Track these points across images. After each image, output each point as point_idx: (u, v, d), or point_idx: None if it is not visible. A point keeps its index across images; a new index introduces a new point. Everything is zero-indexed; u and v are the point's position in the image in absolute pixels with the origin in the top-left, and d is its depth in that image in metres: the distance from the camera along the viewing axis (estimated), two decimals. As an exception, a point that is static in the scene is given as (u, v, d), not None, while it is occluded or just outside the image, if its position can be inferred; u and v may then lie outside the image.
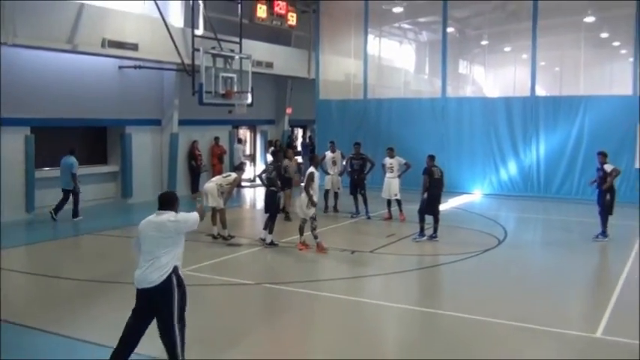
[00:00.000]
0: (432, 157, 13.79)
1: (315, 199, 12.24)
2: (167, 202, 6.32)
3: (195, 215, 6.33)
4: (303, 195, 12.25)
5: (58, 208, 15.82)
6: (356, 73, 24.16)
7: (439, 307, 9.20)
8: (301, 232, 12.49)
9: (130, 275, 10.82)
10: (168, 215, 6.19)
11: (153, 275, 6.03)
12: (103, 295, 9.61)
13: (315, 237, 12.20)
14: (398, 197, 15.80)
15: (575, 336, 7.88)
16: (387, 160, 16.11)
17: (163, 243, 6.10)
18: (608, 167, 13.24)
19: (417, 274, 11.27)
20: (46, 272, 10.86)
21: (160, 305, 6.09)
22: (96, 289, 9.90)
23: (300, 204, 12.39)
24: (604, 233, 13.32)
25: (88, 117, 17.79)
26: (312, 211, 12.22)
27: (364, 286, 10.47)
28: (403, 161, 15.89)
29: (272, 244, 12.80)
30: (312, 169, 12.40)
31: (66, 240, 13.73)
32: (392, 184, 15.88)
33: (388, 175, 16.00)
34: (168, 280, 6.06)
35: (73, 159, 15.88)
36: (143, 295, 6.14)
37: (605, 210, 13.26)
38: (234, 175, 13.61)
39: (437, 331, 8.21)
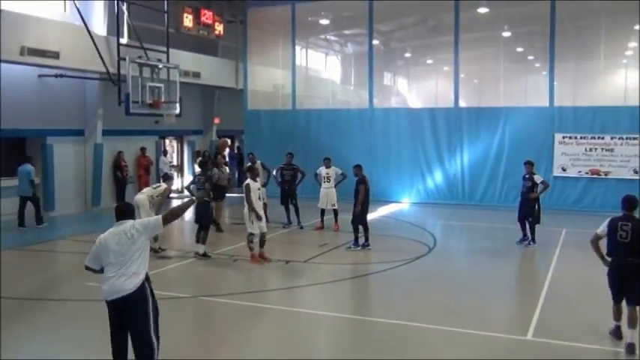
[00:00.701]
0: (360, 167, 13.86)
1: (258, 210, 11.94)
2: (125, 212, 6.25)
3: (154, 220, 6.24)
4: (246, 209, 11.93)
5: (21, 216, 16.01)
6: (284, 84, 24.16)
7: (373, 314, 9.26)
8: (250, 247, 12.10)
9: (51, 292, 10.51)
10: (131, 222, 6.12)
11: (126, 284, 5.85)
12: (26, 313, 9.11)
13: (251, 249, 12.05)
14: (335, 207, 15.84)
15: (507, 339, 8.09)
16: (324, 170, 16.13)
17: (132, 249, 5.96)
18: (538, 178, 13.62)
19: (351, 282, 11.30)
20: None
21: (134, 315, 5.90)
22: (17, 308, 9.36)
23: (246, 219, 12.02)
24: (534, 240, 13.66)
25: (6, 127, 16.88)
26: (261, 224, 11.91)
27: (299, 296, 10.41)
28: (340, 171, 15.95)
29: (205, 255, 12.53)
30: (248, 180, 12.14)
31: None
32: (329, 194, 15.91)
33: (325, 185, 16.01)
34: (142, 287, 5.91)
35: (29, 166, 16.22)
36: (116, 306, 5.91)
37: (535, 219, 13.59)
38: (163, 185, 13.25)
39: (369, 338, 8.23)
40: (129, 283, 5.85)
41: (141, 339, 5.92)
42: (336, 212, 15.89)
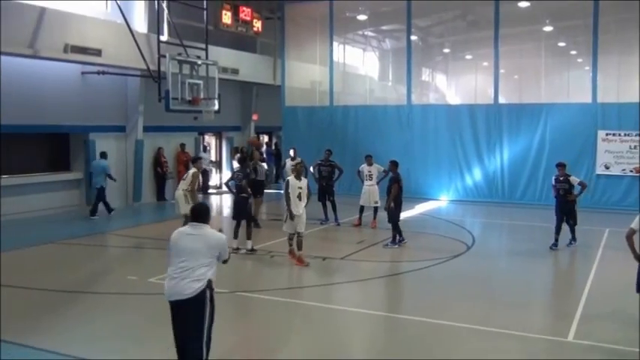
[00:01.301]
0: (396, 164, 13.75)
1: (293, 209, 11.52)
2: (201, 214, 6.24)
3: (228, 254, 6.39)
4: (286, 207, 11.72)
5: (96, 206, 17.20)
6: (322, 80, 24.15)
7: (408, 312, 9.19)
8: (299, 246, 11.80)
9: (95, 284, 10.72)
10: (211, 230, 6.17)
11: (188, 287, 5.87)
12: (70, 305, 9.33)
13: (290, 245, 11.90)
14: (378, 204, 15.79)
15: (546, 340, 7.94)
16: (366, 168, 16.09)
17: (203, 255, 5.98)
18: (574, 179, 13.20)
19: (387, 280, 11.24)
20: (9, 283, 10.45)
21: (190, 319, 5.92)
22: (62, 299, 9.59)
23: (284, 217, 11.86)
24: (575, 238, 13.36)
25: (50, 123, 17.35)
26: (297, 223, 11.53)
27: (335, 293, 10.42)
28: (382, 168, 15.88)
29: (252, 250, 12.62)
30: (290, 177, 11.92)
31: (29, 249, 13.27)
32: (372, 192, 15.88)
33: (367, 182, 15.96)
34: (202, 294, 5.90)
35: (104, 161, 17.47)
36: (174, 306, 5.99)
37: (575, 220, 13.28)
38: (190, 171, 13.32)
39: (404, 336, 8.18)
40: (190, 287, 5.87)
41: (191, 343, 5.94)
42: (376, 210, 15.84)
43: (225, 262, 6.36)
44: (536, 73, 21.73)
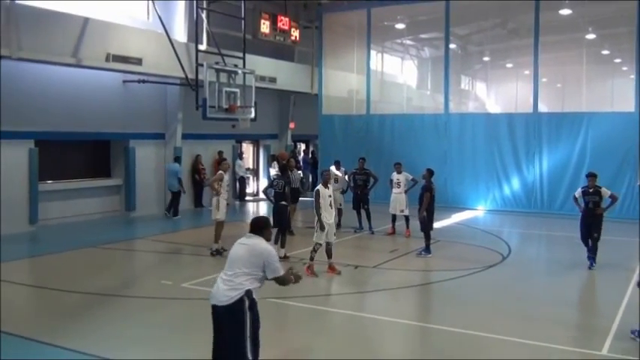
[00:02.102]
0: (431, 172, 13.67)
1: (324, 220, 11.44)
2: (257, 226, 6.25)
3: (280, 267, 6.14)
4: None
5: (170, 207, 19.08)
6: (358, 89, 24.22)
7: (440, 322, 9.09)
8: (329, 254, 11.73)
9: (129, 288, 10.96)
10: (262, 241, 6.15)
11: (225, 293, 5.89)
12: (105, 307, 9.55)
13: (311, 258, 11.62)
14: (405, 213, 15.73)
15: (580, 353, 7.79)
16: (395, 176, 16.07)
17: (245, 264, 5.97)
18: (605, 192, 12.20)
19: (419, 289, 11.18)
20: (47, 285, 10.79)
21: (228, 327, 5.92)
22: (97, 302, 9.83)
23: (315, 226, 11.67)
24: (594, 260, 12.38)
25: (91, 130, 17.83)
26: (329, 234, 11.49)
27: (366, 302, 10.42)
28: (410, 177, 15.84)
29: (285, 257, 12.73)
30: (319, 186, 11.78)
31: (69, 253, 13.66)
32: (399, 200, 15.85)
33: (395, 190, 15.96)
34: (238, 303, 5.87)
35: (177, 165, 19.38)
36: (214, 311, 6.03)
37: (599, 236, 12.29)
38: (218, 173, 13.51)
39: (435, 346, 8.13)
40: (226, 295, 5.87)
41: (232, 353, 5.91)
42: (407, 218, 15.79)
43: (278, 280, 6.15)
44: (577, 82, 21.33)
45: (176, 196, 19.13)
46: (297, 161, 27.13)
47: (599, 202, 12.25)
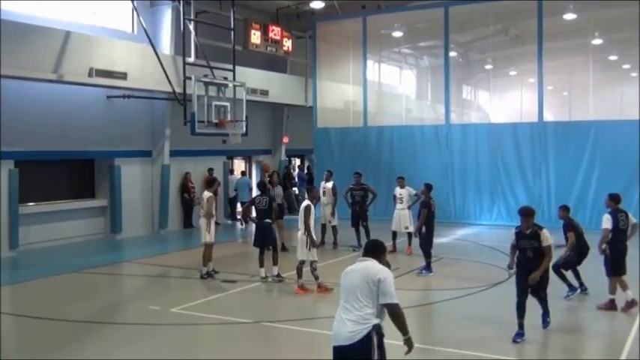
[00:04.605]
0: (429, 187, 13.74)
1: (314, 236, 11.82)
2: (371, 249, 5.80)
3: (395, 294, 5.55)
4: (300, 233, 11.83)
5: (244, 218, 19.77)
6: (355, 100, 24.34)
7: (442, 344, 9.11)
8: (299, 273, 12.02)
9: (115, 314, 10.96)
10: (376, 263, 5.63)
11: (350, 329, 5.36)
12: (91, 336, 9.55)
13: (316, 278, 11.88)
14: (409, 230, 15.79)
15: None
16: (397, 191, 16.15)
17: (363, 293, 5.44)
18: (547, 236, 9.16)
19: (421, 310, 11.20)
20: (28, 313, 10.76)
21: None
22: (82, 331, 9.82)
23: (300, 244, 11.90)
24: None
25: (75, 149, 17.86)
26: (313, 252, 11.76)
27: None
28: (413, 192, 15.91)
29: (279, 277, 12.79)
30: (307, 202, 11.96)
31: (52, 278, 13.64)
32: (402, 216, 15.92)
33: (398, 206, 16.04)
34: (365, 340, 5.33)
35: (247, 178, 23.35)
36: (337, 352, 5.48)
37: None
38: (206, 195, 13.37)
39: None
40: (352, 329, 5.36)
41: None
42: (410, 235, 15.81)
43: (389, 308, 5.49)
44: (584, 89, 21.47)
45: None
46: (292, 177, 27.23)
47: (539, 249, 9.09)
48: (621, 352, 8.40)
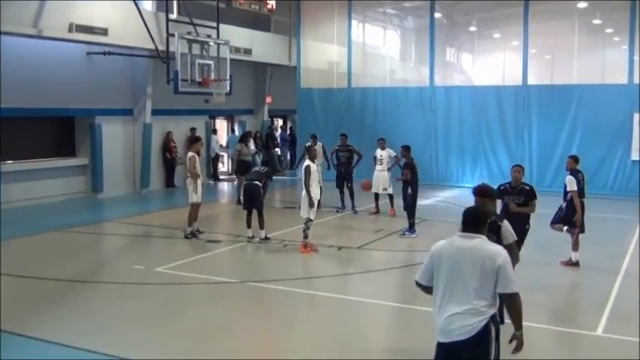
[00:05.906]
0: (408, 149, 13.72)
1: (314, 196, 11.78)
2: (477, 221, 4.96)
3: (516, 281, 4.75)
4: (304, 193, 11.80)
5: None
6: (339, 61, 24.11)
7: (426, 304, 9.15)
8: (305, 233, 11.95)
9: (99, 274, 10.89)
10: (487, 243, 4.86)
11: (464, 322, 4.65)
12: (75, 295, 9.49)
13: (305, 237, 11.89)
14: (389, 191, 15.80)
15: (575, 334, 7.94)
16: (378, 152, 16.10)
17: (475, 278, 4.68)
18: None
19: (405, 270, 11.25)
20: (11, 272, 10.63)
21: None
22: (67, 290, 9.75)
23: (302, 202, 11.87)
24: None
25: (54, 107, 17.54)
26: (312, 211, 11.77)
27: (351, 284, 10.50)
28: (393, 154, 15.87)
29: (266, 238, 12.76)
30: (307, 161, 11.90)
31: (32, 237, 13.51)
32: (381, 178, 15.88)
33: (377, 167, 16.00)
34: (484, 331, 4.66)
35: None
36: (448, 350, 4.75)
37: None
38: (188, 154, 13.21)
39: (421, 327, 8.17)
40: (466, 322, 4.65)
41: None
42: (391, 197, 15.84)
43: (508, 298, 4.75)
44: (568, 53, 21.42)
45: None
46: (275, 138, 27.09)
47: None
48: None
